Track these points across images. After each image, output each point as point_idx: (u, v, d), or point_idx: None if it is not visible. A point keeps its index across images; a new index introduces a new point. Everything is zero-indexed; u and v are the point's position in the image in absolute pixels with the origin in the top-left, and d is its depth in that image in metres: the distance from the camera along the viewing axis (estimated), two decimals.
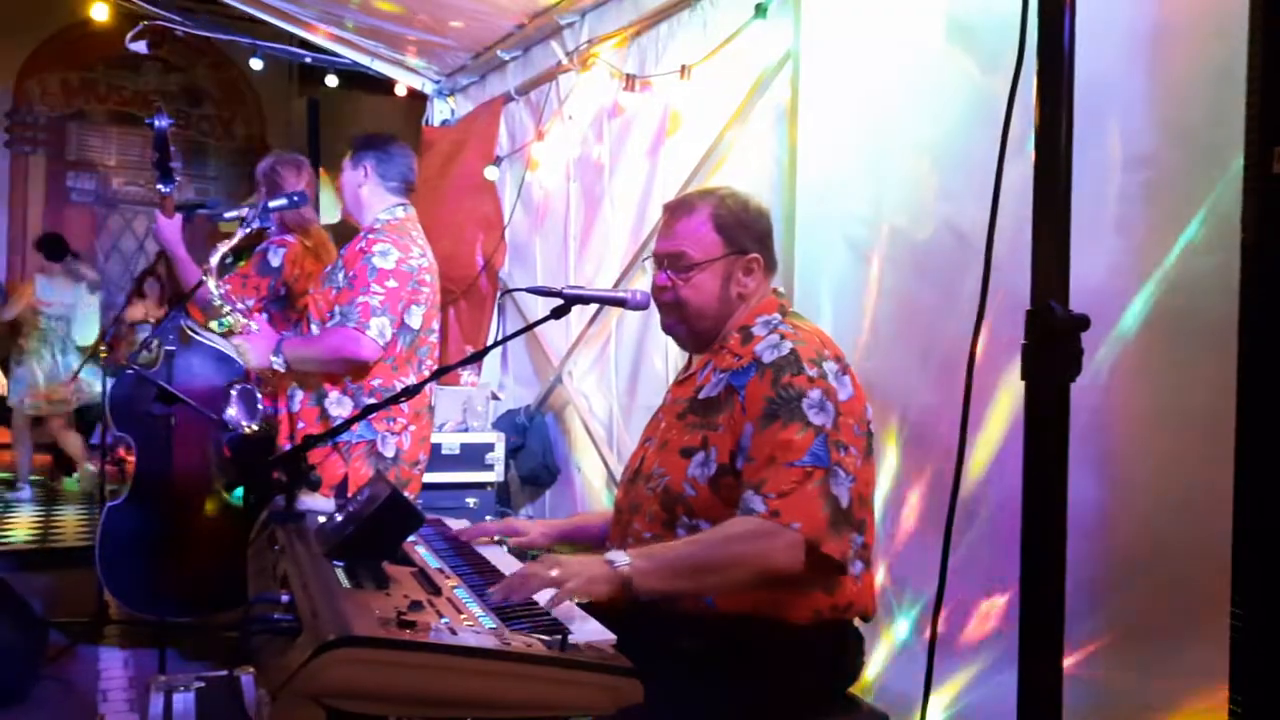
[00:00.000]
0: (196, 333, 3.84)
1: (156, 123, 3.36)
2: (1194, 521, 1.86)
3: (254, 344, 3.04)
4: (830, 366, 1.86)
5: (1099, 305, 1.77)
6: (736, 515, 1.79)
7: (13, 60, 10.11)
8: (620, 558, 1.73)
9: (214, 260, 3.17)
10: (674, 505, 1.90)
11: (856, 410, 1.86)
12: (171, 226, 3.52)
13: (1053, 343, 1.20)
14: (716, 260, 1.98)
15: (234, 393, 3.10)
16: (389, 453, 3.02)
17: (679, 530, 1.90)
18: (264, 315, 3.71)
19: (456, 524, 2.35)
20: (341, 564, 1.67)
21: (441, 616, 1.50)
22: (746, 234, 2.00)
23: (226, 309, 3.15)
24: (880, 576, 2.58)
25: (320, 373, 3.02)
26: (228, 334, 3.17)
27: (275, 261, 3.66)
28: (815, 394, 1.81)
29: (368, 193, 3.13)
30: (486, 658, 1.39)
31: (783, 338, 1.89)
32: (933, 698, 1.63)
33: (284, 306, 3.71)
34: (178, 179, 3.49)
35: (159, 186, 3.44)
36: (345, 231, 3.33)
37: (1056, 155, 1.29)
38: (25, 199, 10.25)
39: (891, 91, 2.72)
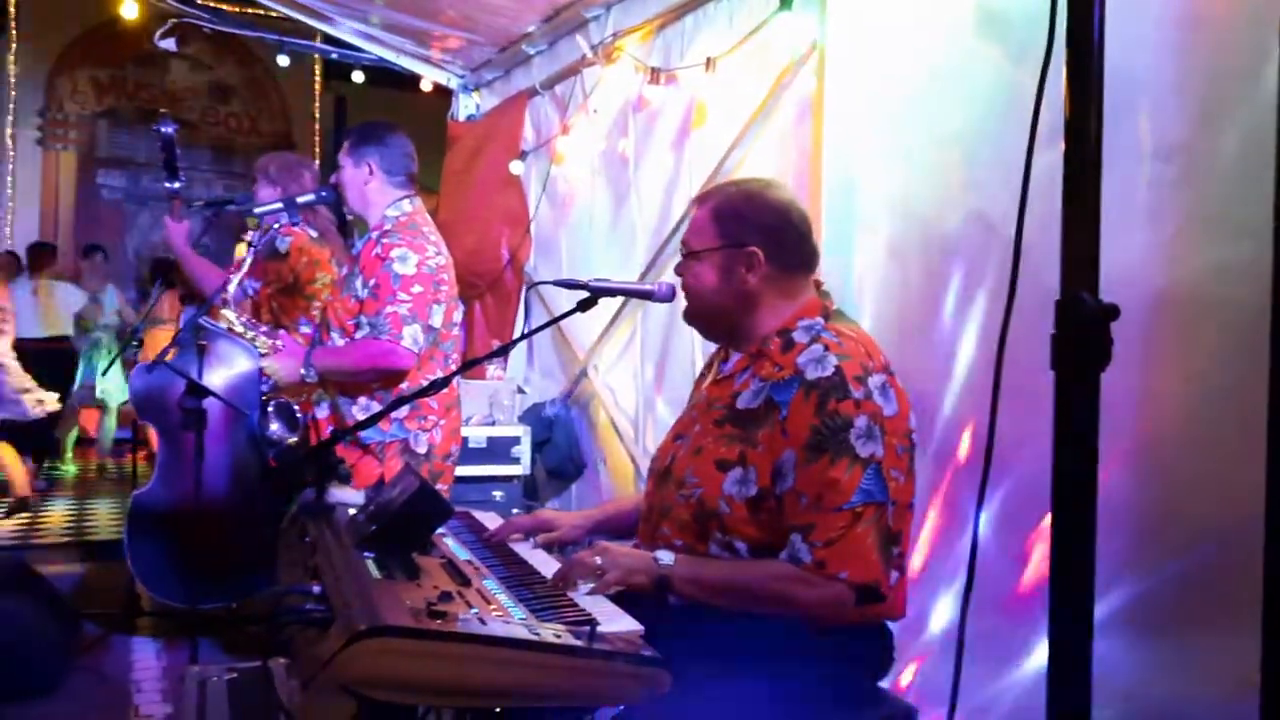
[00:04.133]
0: (216, 331, 3.89)
1: (163, 129, 3.57)
2: (1226, 512, 1.84)
3: (282, 361, 3.06)
4: (875, 381, 1.81)
5: (1130, 294, 1.76)
6: (782, 555, 1.78)
7: (44, 59, 10.25)
8: (666, 557, 1.80)
9: (231, 289, 3.22)
10: (707, 520, 1.87)
11: (900, 427, 1.82)
12: (178, 230, 3.69)
13: (1082, 333, 1.19)
14: (712, 251, 1.96)
15: (270, 409, 3.13)
16: (421, 449, 3.04)
17: (711, 545, 1.88)
18: (274, 305, 3.79)
19: (483, 516, 2.37)
20: (372, 555, 1.69)
21: (471, 607, 1.52)
22: (744, 226, 1.94)
23: (251, 334, 3.20)
24: (912, 571, 2.57)
25: (350, 383, 3.04)
26: (252, 339, 3.22)
27: (283, 248, 3.73)
28: (862, 421, 1.76)
29: (374, 190, 3.10)
30: (516, 648, 1.41)
31: (826, 349, 1.83)
32: (962, 691, 1.63)
33: (291, 294, 3.79)
34: (184, 179, 3.74)
35: (167, 185, 3.66)
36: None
37: (1086, 144, 1.28)
38: (57, 196, 10.39)
39: (919, 82, 2.71)
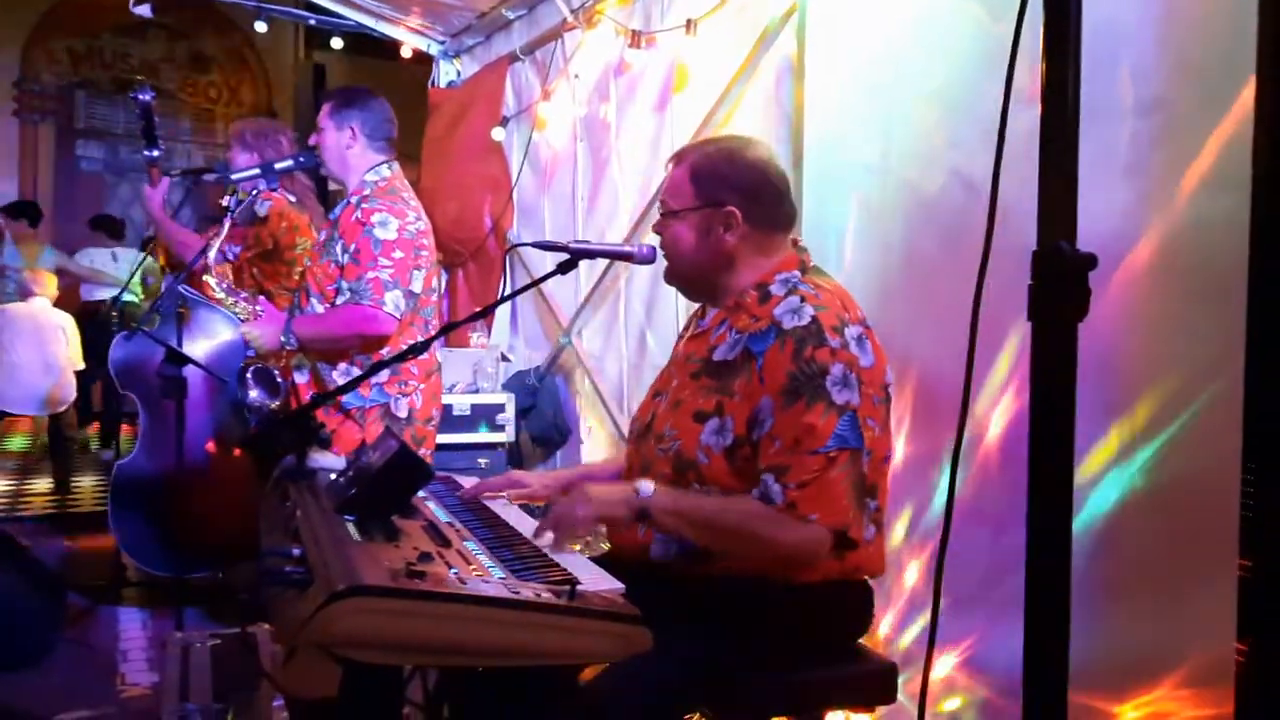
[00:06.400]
0: (196, 299, 3.86)
1: (140, 96, 3.56)
2: (1201, 467, 1.85)
3: (263, 328, 3.04)
4: (852, 332, 1.82)
5: (1109, 248, 1.75)
6: (753, 493, 1.78)
7: (19, 29, 10.10)
8: (646, 487, 1.80)
9: (212, 255, 3.19)
10: (686, 471, 1.88)
11: (876, 379, 1.83)
12: (155, 195, 3.68)
13: (1060, 282, 1.19)
14: (690, 211, 1.95)
15: (249, 375, 3.11)
16: (402, 413, 3.03)
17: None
18: (254, 271, 3.76)
19: (467, 483, 2.37)
20: (352, 518, 1.68)
21: (451, 568, 1.51)
22: (724, 185, 1.93)
23: (231, 300, 3.18)
24: (892, 530, 2.58)
25: (332, 350, 3.02)
26: (232, 305, 3.20)
27: (262, 212, 3.70)
28: (838, 369, 1.76)
29: (355, 154, 3.07)
30: (495, 606, 1.40)
31: (803, 300, 1.84)
32: (941, 648, 1.64)
33: (271, 259, 3.76)
34: (163, 147, 3.72)
35: (146, 153, 3.64)
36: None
37: (1064, 96, 1.27)
38: (35, 168, 10.28)
39: (900, 41, 2.68)
